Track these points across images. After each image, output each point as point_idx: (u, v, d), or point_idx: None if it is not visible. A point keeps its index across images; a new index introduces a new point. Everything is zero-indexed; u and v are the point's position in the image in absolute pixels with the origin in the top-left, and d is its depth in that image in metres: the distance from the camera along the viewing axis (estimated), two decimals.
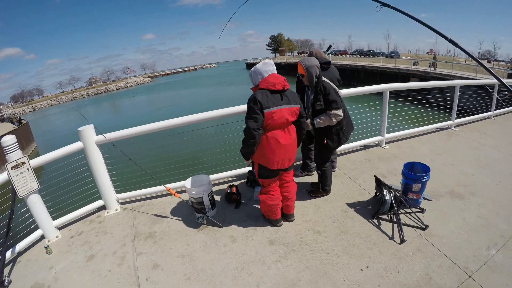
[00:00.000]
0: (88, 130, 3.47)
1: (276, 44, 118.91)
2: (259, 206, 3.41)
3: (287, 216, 3.25)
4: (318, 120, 3.25)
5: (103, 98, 69.12)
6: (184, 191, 3.86)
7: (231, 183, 3.97)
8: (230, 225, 3.32)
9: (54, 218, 3.51)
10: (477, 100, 9.55)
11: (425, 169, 3.49)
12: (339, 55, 66.61)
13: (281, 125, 2.74)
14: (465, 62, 32.96)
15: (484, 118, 7.52)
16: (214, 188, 3.74)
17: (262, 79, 2.75)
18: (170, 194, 3.69)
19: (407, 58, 45.64)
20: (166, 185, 3.67)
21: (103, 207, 3.90)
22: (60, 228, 3.60)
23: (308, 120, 3.27)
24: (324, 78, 3.25)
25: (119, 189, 3.99)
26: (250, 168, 3.99)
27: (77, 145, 3.45)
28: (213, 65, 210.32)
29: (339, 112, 3.19)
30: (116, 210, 3.84)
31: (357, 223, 3.17)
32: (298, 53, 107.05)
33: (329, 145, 3.39)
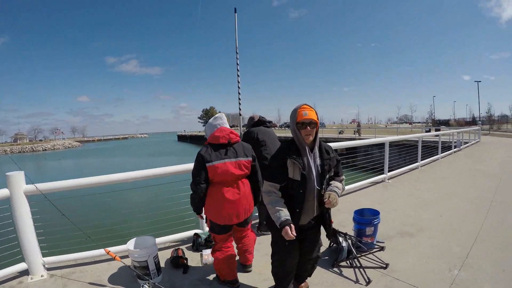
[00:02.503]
0: (18, 177, 3.00)
1: (208, 117, 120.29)
2: (209, 270, 3.18)
3: (244, 267, 3.12)
4: (338, 189, 2.32)
5: (27, 157, 61.12)
6: (126, 256, 3.40)
7: (177, 247, 3.64)
8: None
9: None
10: (400, 157, 10.68)
11: (375, 213, 3.67)
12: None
13: (227, 178, 2.72)
14: (386, 126, 37.17)
15: (412, 169, 8.43)
16: (159, 253, 3.34)
17: (211, 133, 2.86)
18: (108, 260, 3.27)
19: (333, 127, 50.15)
20: (105, 248, 3.23)
21: (26, 272, 3.20)
22: None
23: (331, 193, 2.24)
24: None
25: (46, 251, 3.33)
26: (195, 231, 3.82)
27: (2, 193, 2.94)
28: (144, 135, 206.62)
29: None
30: (42, 276, 3.16)
31: (319, 275, 3.04)
32: (230, 126, 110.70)
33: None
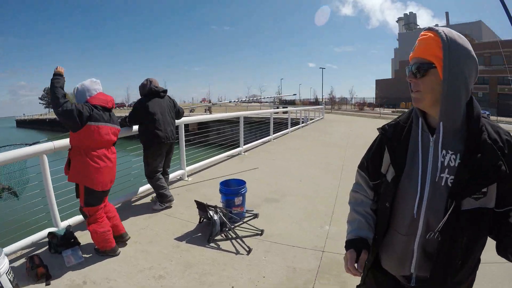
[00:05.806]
0: None
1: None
2: (77, 271, 2.67)
3: (121, 237, 3.11)
4: None
5: None
6: None
7: (31, 254, 2.82)
8: None
9: None
10: (251, 133, 11.55)
11: (240, 183, 3.81)
12: (118, 108, 66.34)
13: (106, 143, 2.85)
14: (235, 104, 39.49)
15: (265, 142, 9.15)
16: (11, 267, 2.51)
17: (91, 96, 2.83)
18: None
19: (185, 107, 50.34)
20: None
21: None
22: None
23: None
24: None
25: None
26: (49, 229, 3.06)
27: None
28: None
29: None
30: None
31: (197, 253, 2.92)
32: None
33: None
